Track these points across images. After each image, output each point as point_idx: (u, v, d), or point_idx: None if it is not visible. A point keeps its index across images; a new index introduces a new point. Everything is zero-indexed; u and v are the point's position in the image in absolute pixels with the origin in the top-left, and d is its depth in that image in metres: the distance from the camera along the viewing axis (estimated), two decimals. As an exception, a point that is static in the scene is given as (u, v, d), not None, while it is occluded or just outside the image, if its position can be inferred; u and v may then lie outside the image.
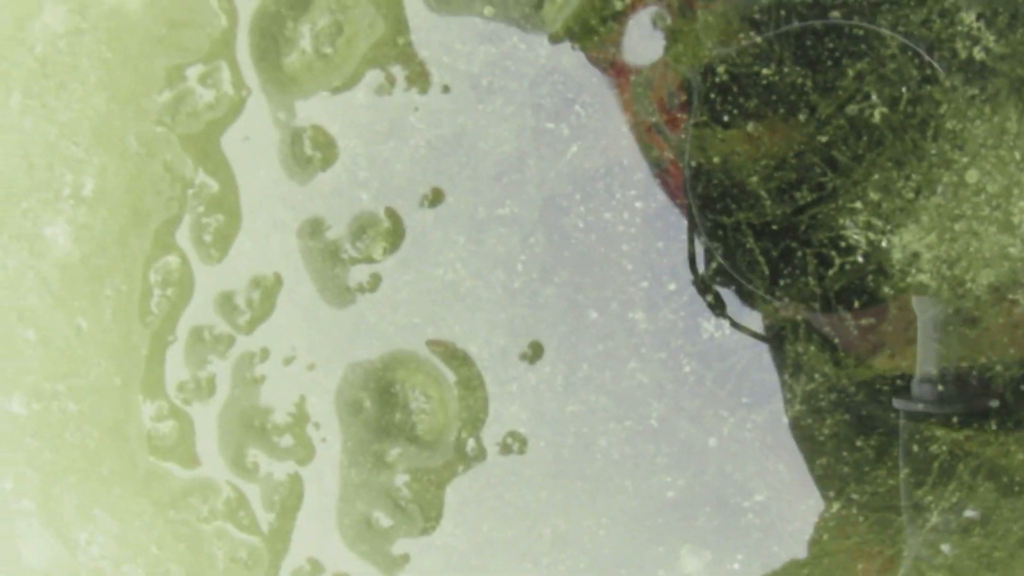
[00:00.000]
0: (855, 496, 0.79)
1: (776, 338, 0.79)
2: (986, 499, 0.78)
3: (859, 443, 0.78)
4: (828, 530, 0.79)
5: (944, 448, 0.78)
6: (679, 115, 0.77)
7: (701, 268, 0.79)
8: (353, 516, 0.79)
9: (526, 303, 0.79)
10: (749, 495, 0.79)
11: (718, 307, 0.79)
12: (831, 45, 0.77)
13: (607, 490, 0.79)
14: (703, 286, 0.79)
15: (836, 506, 0.79)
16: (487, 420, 0.78)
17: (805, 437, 0.79)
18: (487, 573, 0.79)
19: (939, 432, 0.78)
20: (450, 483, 0.79)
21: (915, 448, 0.78)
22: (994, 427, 0.78)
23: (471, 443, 0.78)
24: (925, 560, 0.79)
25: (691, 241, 0.80)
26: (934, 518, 0.79)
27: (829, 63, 0.77)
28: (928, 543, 0.79)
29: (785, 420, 0.79)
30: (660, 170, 0.79)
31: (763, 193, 0.78)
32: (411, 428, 0.78)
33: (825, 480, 0.79)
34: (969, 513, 0.78)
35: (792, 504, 0.79)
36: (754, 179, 0.77)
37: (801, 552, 0.79)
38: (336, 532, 0.79)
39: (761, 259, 0.78)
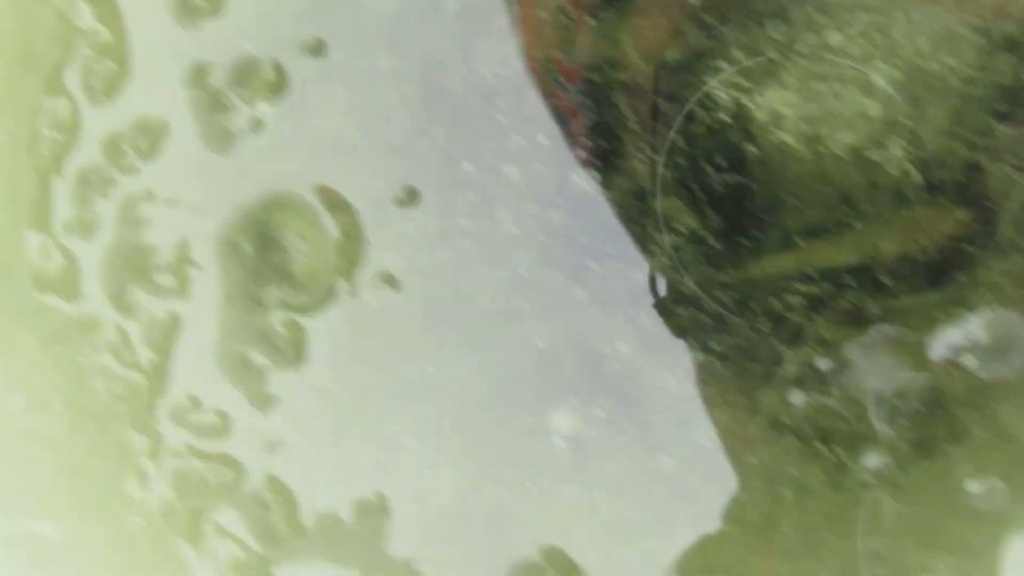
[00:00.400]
0: (716, 347, 0.82)
1: (641, 191, 0.81)
2: (841, 349, 0.81)
3: (718, 293, 0.81)
4: (688, 378, 0.82)
5: (801, 301, 0.80)
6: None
7: (570, 123, 0.81)
8: (230, 355, 0.81)
9: (404, 155, 0.81)
10: (614, 345, 0.81)
11: (589, 161, 0.82)
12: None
13: (477, 337, 0.82)
14: (573, 141, 0.82)
15: (699, 356, 0.82)
16: (362, 264, 0.81)
17: (670, 288, 0.81)
18: (358, 414, 0.81)
19: (799, 287, 0.81)
20: (324, 325, 0.81)
21: (773, 301, 0.81)
22: (853, 283, 0.81)
23: (346, 285, 0.81)
24: (781, 411, 0.82)
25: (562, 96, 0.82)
26: (791, 370, 0.82)
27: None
28: (781, 396, 0.82)
29: (648, 274, 0.82)
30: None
31: (633, 53, 0.80)
32: (288, 270, 0.81)
33: (685, 328, 0.82)
34: (824, 364, 0.81)
35: (655, 354, 0.82)
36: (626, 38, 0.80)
37: (662, 399, 0.82)
38: (214, 369, 0.81)
39: (629, 114, 0.81)
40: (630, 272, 0.81)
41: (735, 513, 0.82)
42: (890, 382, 0.81)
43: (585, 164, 0.82)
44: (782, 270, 0.81)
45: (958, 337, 0.81)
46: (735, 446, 0.82)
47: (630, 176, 0.82)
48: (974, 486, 0.81)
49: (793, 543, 0.83)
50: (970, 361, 0.81)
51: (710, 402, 0.82)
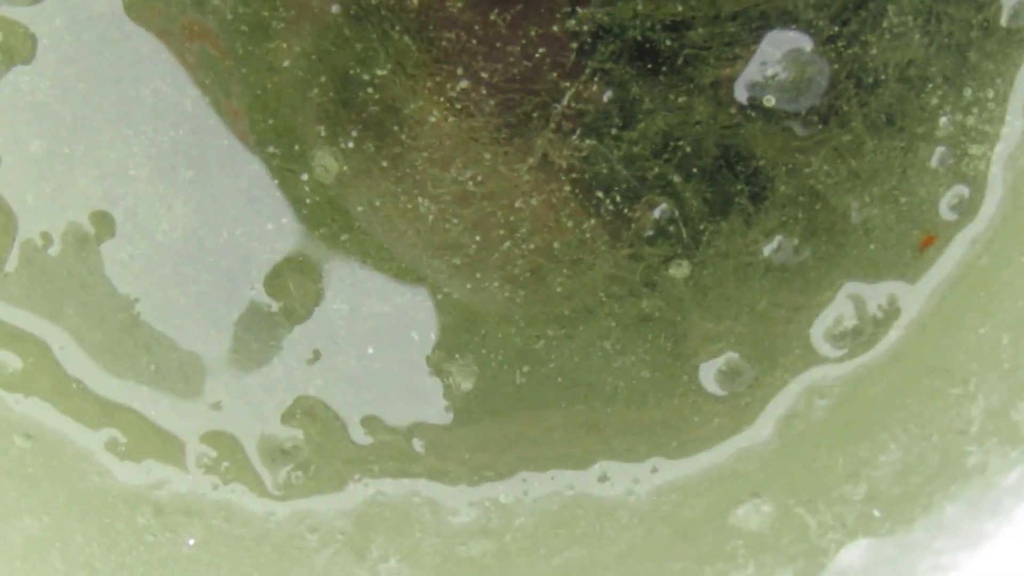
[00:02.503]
0: (483, 76, 0.72)
1: None
2: (628, 86, 0.72)
3: (492, 16, 0.71)
4: (451, 110, 0.72)
5: (586, 30, 0.71)
6: None
7: None
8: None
9: None
10: (371, 69, 0.71)
11: None
12: None
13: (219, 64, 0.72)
14: None
15: (461, 85, 0.72)
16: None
17: (432, 8, 0.71)
18: (84, 134, 0.71)
19: (582, 12, 0.71)
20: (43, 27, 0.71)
21: (555, 27, 0.71)
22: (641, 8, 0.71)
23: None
24: (556, 153, 0.72)
25: None
26: (571, 106, 0.72)
27: None
28: (559, 136, 0.72)
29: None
30: None
31: None
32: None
33: (451, 55, 0.72)
34: (608, 95, 0.72)
35: (418, 81, 0.72)
36: None
37: (421, 134, 0.72)
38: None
39: None
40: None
41: (500, 264, 0.73)
42: (685, 129, 0.72)
43: None
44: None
45: (756, 76, 0.71)
46: (503, 189, 0.73)
47: None
48: (768, 247, 0.72)
49: (572, 308, 0.74)
50: (768, 100, 0.71)
51: (477, 139, 0.72)
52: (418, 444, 0.74)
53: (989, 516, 0.74)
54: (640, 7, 0.71)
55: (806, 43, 0.71)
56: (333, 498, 0.73)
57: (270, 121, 0.72)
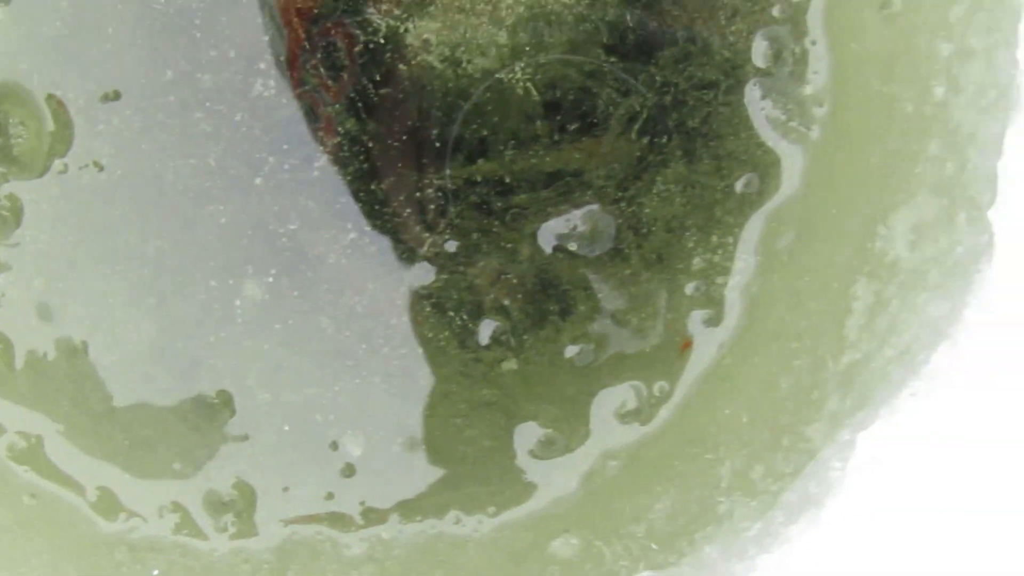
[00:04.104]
0: (369, 227, 1.00)
1: (312, 105, 0.99)
2: (470, 235, 1.00)
3: (372, 186, 0.99)
4: (345, 254, 1.00)
5: (438, 194, 0.99)
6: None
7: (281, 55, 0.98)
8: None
9: (113, 59, 0.98)
10: (285, 224, 0.99)
11: (266, 74, 0.99)
12: None
13: (172, 214, 0.99)
14: (253, 57, 0.99)
15: (351, 236, 1.00)
16: (74, 150, 0.97)
17: (329, 179, 0.99)
18: (69, 272, 0.98)
19: (437, 181, 0.99)
20: (44, 198, 0.98)
21: (417, 194, 0.99)
22: (480, 180, 0.99)
23: (59, 164, 0.97)
24: (419, 283, 1.00)
25: (270, 21, 0.99)
26: (430, 250, 1.00)
27: None
28: (421, 271, 1.00)
29: (317, 165, 0.99)
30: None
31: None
32: (10, 150, 0.97)
33: (343, 214, 1.00)
34: (453, 247, 1.00)
35: (319, 231, 0.99)
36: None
37: (323, 270, 1.00)
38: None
39: (305, 40, 0.98)
40: (301, 165, 0.99)
41: (379, 367, 1.01)
42: (512, 266, 1.00)
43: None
44: (427, 168, 0.99)
45: (563, 228, 1.00)
46: (382, 310, 1.01)
47: (311, 86, 0.99)
48: (572, 350, 1.01)
49: (431, 396, 1.02)
50: (572, 246, 1.00)
51: (363, 274, 1.00)
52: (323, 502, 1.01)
53: (737, 560, 1.01)
54: (478, 178, 1.00)
55: (597, 205, 1.00)
56: (259, 538, 1.00)
57: (211, 263, 1.00)
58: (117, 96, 0.97)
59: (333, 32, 0.97)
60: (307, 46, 0.97)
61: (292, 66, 0.98)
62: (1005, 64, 0.93)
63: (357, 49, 0.97)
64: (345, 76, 0.98)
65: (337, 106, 0.98)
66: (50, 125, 0.97)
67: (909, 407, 0.93)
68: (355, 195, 0.99)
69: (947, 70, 0.96)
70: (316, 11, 0.98)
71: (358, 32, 0.97)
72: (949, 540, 0.89)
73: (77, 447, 0.98)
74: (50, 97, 0.97)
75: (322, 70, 0.98)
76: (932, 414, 0.92)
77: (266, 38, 0.97)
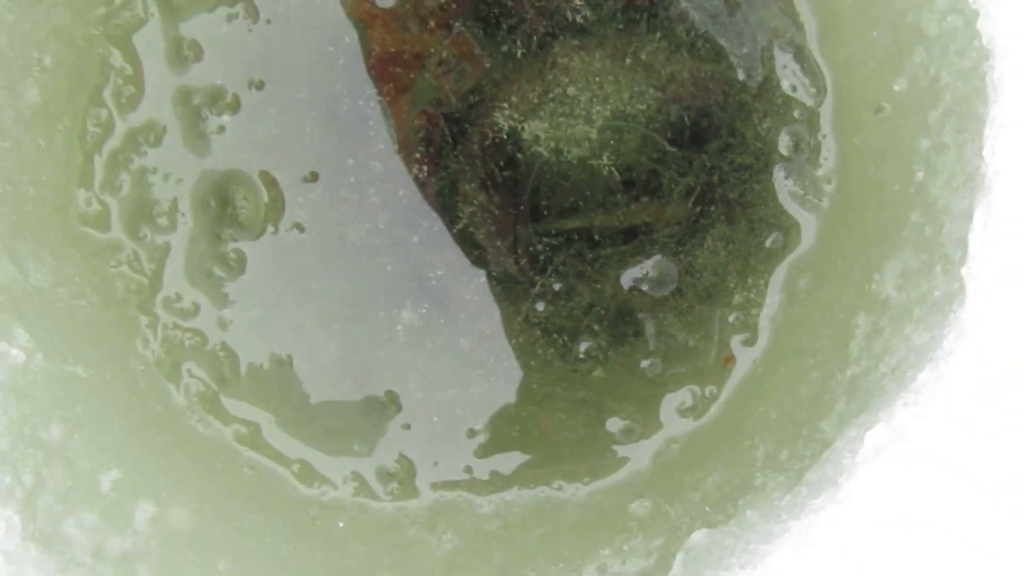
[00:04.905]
0: (495, 273, 1.36)
1: (453, 183, 1.35)
2: (569, 279, 1.36)
3: (498, 243, 1.35)
4: (480, 292, 1.36)
5: (546, 248, 1.35)
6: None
7: (431, 148, 1.34)
8: (201, 269, 1.35)
9: (311, 150, 1.35)
10: (435, 270, 1.36)
11: (421, 161, 1.35)
12: (496, 10, 1.32)
13: (351, 262, 1.35)
14: (411, 149, 1.35)
15: (482, 279, 1.36)
16: (284, 217, 1.34)
17: (467, 239, 1.35)
18: (277, 307, 1.35)
19: (546, 239, 1.35)
20: (260, 252, 1.35)
21: (529, 248, 1.35)
22: (577, 239, 1.35)
23: (271, 228, 1.34)
24: (531, 313, 1.36)
25: (424, 124, 1.35)
26: (538, 289, 1.36)
27: (493, 20, 1.32)
28: (532, 304, 1.36)
29: (457, 228, 1.35)
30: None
31: (450, 93, 1.34)
32: (236, 217, 1.34)
33: (477, 263, 1.36)
34: (559, 285, 1.36)
35: (460, 277, 1.36)
36: (444, 85, 1.33)
37: (462, 305, 1.36)
38: (191, 277, 1.35)
39: (447, 132, 1.34)
40: (446, 227, 1.35)
41: (502, 375, 1.37)
42: (600, 301, 1.36)
43: (419, 163, 1.35)
44: (538, 229, 1.35)
45: (638, 273, 1.36)
46: (505, 333, 1.37)
47: (449, 172, 1.35)
48: (645, 363, 1.37)
49: (541, 395, 1.38)
50: (644, 287, 1.36)
51: (491, 306, 1.36)
52: (462, 473, 1.37)
53: (773, 523, 1.05)
54: (575, 236, 1.36)
55: (663, 256, 1.36)
56: (417, 500, 1.36)
57: (380, 299, 1.37)
58: (315, 177, 1.34)
59: (469, 131, 1.33)
60: (450, 140, 1.33)
61: (439, 155, 1.34)
62: (971, 156, 1.06)
63: (487, 143, 1.33)
64: (478, 163, 1.34)
65: (473, 184, 1.34)
66: (265, 198, 1.34)
67: (903, 414, 1.05)
68: (485, 249, 1.34)
69: (926, 159, 1.14)
70: (456, 115, 1.34)
71: (487, 131, 1.33)
72: (937, 521, 0.99)
73: (285, 432, 1.35)
74: (263, 173, 1.34)
75: (461, 158, 1.34)
76: (920, 420, 1.02)
77: (420, 135, 1.33)
